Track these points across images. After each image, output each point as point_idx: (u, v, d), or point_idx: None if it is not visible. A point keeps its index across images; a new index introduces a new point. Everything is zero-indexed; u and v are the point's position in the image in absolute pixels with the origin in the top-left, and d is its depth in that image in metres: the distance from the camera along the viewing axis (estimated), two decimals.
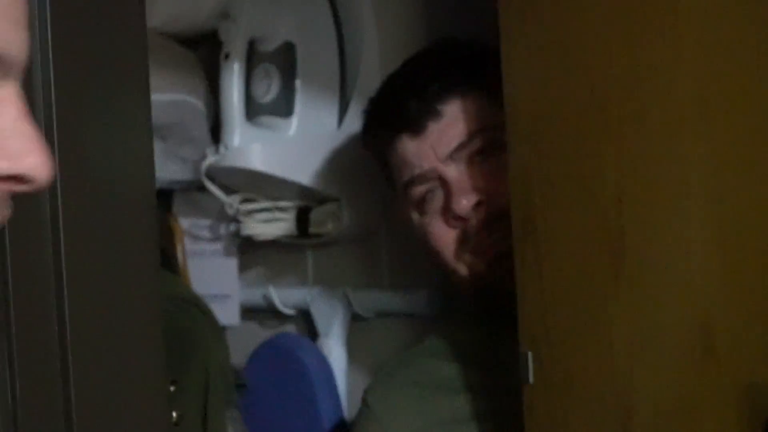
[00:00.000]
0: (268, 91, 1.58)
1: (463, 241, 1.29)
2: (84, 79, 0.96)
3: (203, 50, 1.73)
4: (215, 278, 1.75)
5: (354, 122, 1.51)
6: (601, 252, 1.00)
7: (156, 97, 1.53)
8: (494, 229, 1.26)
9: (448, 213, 1.29)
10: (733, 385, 0.92)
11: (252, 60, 1.59)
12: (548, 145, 1.05)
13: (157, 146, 1.65)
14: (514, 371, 1.08)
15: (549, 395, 1.06)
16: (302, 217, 1.63)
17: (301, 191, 1.61)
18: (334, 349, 1.64)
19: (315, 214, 1.63)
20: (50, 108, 0.91)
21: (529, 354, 1.06)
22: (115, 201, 1.00)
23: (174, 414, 1.23)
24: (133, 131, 1.02)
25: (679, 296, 0.95)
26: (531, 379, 1.06)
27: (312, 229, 1.63)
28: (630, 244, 0.98)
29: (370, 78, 1.50)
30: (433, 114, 1.29)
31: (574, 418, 1.04)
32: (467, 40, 1.36)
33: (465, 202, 1.27)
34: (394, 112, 1.33)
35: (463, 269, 1.30)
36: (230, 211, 1.65)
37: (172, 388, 1.14)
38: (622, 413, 1.00)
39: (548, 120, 1.05)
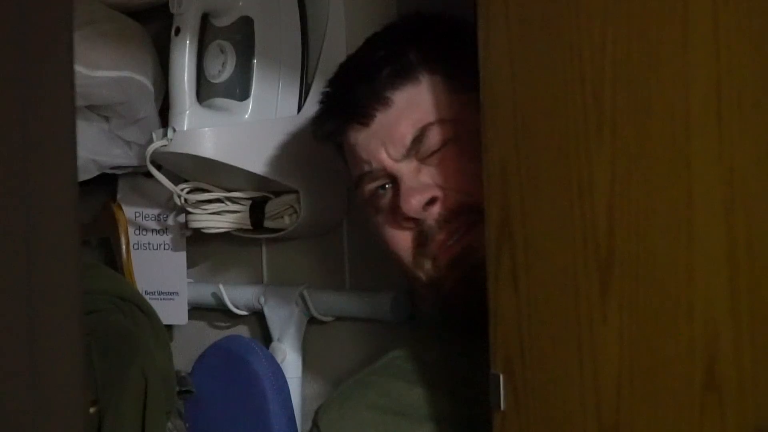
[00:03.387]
0: (222, 70, 1.45)
1: (420, 244, 1.16)
2: None
3: (154, 24, 1.62)
4: (161, 273, 1.64)
5: (315, 107, 1.35)
6: (588, 265, 0.89)
7: (100, 73, 1.49)
8: (452, 226, 1.14)
9: (398, 213, 1.16)
10: (737, 427, 0.80)
11: (205, 36, 1.47)
12: (531, 140, 0.93)
13: (100, 127, 1.57)
14: (487, 396, 0.97)
15: (522, 425, 0.95)
16: (257, 210, 1.51)
17: (256, 181, 1.49)
18: (289, 355, 1.53)
19: (271, 207, 1.51)
20: None
21: (501, 377, 0.96)
22: (28, 187, 0.91)
23: None
24: (52, 108, 0.94)
25: (679, 323, 0.83)
26: (503, 406, 0.96)
27: (267, 223, 1.51)
28: (621, 258, 0.86)
29: (333, 59, 1.36)
30: (382, 102, 1.16)
31: None
32: (435, 15, 1.22)
33: (414, 202, 1.14)
34: (343, 99, 1.21)
35: (423, 275, 1.17)
36: (178, 201, 1.53)
37: (92, 410, 1.06)
38: None
39: (532, 110, 0.93)
